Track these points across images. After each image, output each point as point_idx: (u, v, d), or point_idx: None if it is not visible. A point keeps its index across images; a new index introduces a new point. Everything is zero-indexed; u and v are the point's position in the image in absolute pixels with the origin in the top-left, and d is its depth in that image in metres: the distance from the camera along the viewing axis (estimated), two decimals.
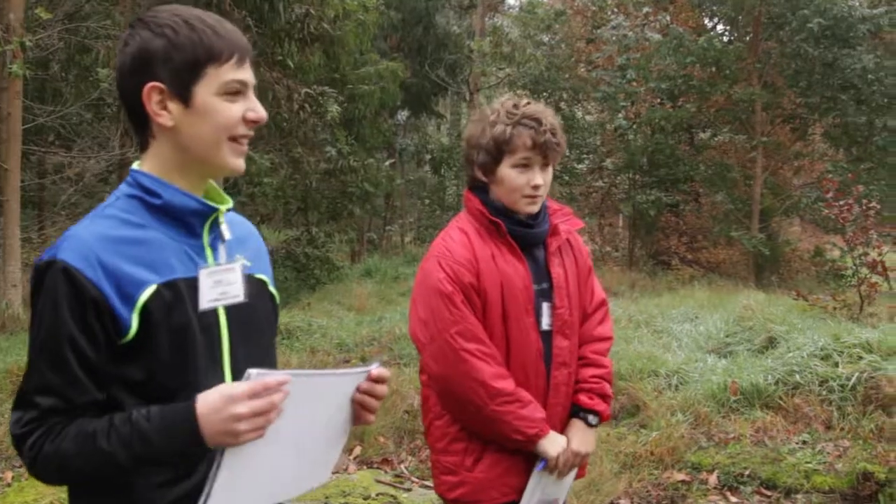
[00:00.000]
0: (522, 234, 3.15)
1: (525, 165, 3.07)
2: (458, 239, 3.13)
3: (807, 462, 6.29)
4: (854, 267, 12.01)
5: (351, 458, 7.07)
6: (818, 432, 6.84)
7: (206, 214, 2.12)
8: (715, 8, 24.67)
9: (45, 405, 1.92)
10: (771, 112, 23.48)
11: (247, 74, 2.09)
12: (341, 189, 21.01)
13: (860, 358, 7.59)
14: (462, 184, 25.88)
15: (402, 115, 29.26)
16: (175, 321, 1.99)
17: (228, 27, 2.09)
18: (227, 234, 2.18)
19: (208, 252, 2.14)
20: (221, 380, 2.05)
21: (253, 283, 2.23)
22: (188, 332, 2.01)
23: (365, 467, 6.96)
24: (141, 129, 2.10)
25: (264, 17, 15.53)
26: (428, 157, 28.24)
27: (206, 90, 2.02)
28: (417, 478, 6.63)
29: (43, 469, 1.94)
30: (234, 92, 2.06)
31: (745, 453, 6.56)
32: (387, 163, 26.78)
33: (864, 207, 12.10)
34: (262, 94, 15.90)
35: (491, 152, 3.09)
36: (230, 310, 2.13)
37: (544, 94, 27.97)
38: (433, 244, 3.23)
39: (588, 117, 29.95)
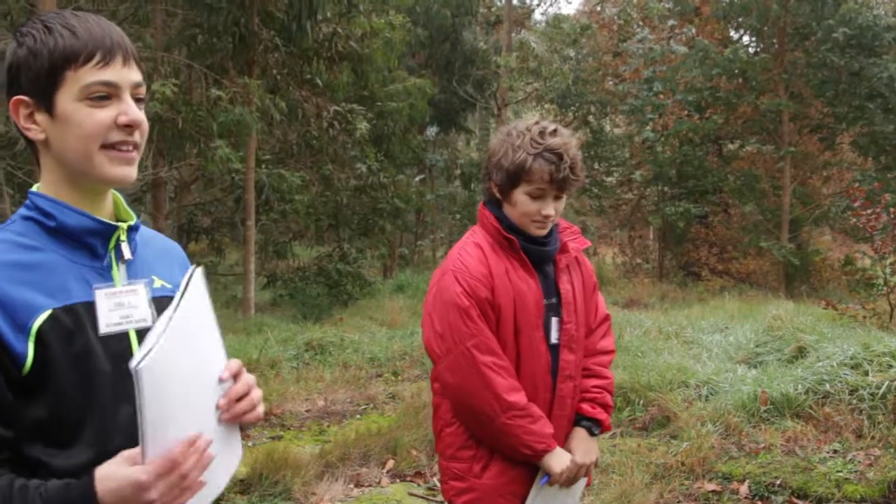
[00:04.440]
0: (535, 251, 3.23)
1: (539, 196, 3.14)
2: (474, 254, 3.19)
3: (838, 471, 6.29)
4: (883, 276, 11.97)
5: (384, 471, 7.11)
6: (849, 441, 6.84)
7: (107, 234, 1.99)
8: (740, 20, 24.59)
9: None
10: (798, 122, 23.39)
11: (116, 75, 1.90)
12: (372, 205, 21.08)
13: (890, 366, 7.57)
14: None
15: (432, 131, 29.22)
16: (75, 349, 1.84)
17: (94, 25, 1.92)
18: (127, 253, 2.03)
19: (116, 274, 2.00)
20: (132, 413, 1.74)
21: None
22: (91, 361, 1.85)
23: (398, 480, 6.99)
24: (31, 147, 1.99)
25: (292, 36, 15.61)
26: (458, 172, 28.21)
27: (66, 97, 1.88)
28: None
29: None
30: (100, 96, 1.89)
31: (776, 463, 6.55)
32: (417, 178, 26.82)
33: (892, 216, 12.06)
34: (291, 112, 16.06)
35: (510, 176, 3.15)
36: (144, 335, 1.88)
37: (572, 107, 28.03)
38: (448, 257, 3.28)
39: (616, 130, 30.02)
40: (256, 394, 2.03)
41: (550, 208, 3.16)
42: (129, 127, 1.93)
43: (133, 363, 1.64)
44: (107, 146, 1.91)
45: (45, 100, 1.89)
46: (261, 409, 2.04)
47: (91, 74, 1.88)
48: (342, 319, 15.54)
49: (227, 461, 2.01)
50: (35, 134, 1.93)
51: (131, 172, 1.97)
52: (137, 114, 1.94)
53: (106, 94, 1.90)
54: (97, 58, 1.88)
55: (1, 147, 12.38)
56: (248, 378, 2.03)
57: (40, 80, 1.88)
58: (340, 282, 19.56)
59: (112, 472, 1.72)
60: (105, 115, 1.90)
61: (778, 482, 6.28)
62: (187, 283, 1.89)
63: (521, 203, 3.16)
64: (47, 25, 1.90)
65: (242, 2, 15.00)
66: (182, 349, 1.77)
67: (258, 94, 14.36)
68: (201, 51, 15.75)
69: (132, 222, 2.06)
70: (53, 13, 1.95)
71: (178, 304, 1.81)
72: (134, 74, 1.95)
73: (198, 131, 13.89)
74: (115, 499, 1.70)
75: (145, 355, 1.66)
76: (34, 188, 1.99)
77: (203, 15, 15.22)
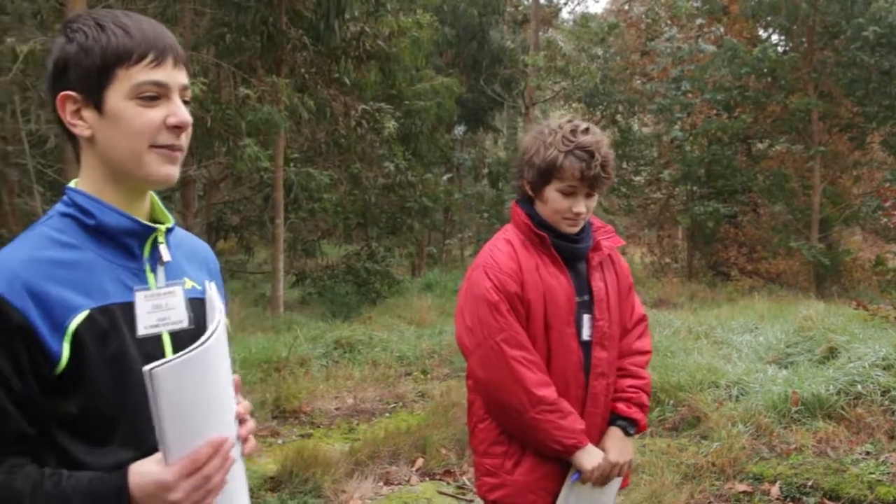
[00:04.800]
0: (566, 247, 3.24)
1: (571, 193, 3.15)
2: (505, 250, 3.22)
3: (870, 473, 6.23)
4: None
5: (413, 469, 7.13)
6: (881, 443, 6.78)
7: (145, 235, 1.98)
8: (769, 18, 24.43)
9: None
10: (828, 121, 23.19)
11: (167, 76, 1.90)
12: (400, 204, 21.16)
13: None
14: None
15: (459, 129, 29.21)
16: (111, 350, 1.83)
17: (147, 26, 1.92)
18: (165, 255, 2.02)
19: (150, 275, 1.98)
20: None
21: (203, 309, 2.07)
22: (125, 361, 1.85)
23: (427, 479, 7.01)
24: (72, 143, 1.97)
25: (320, 35, 15.65)
26: (485, 171, 28.21)
27: (117, 95, 1.87)
28: None
29: None
30: (150, 96, 1.89)
31: (808, 464, 6.50)
32: (445, 177, 26.79)
33: None
34: (319, 111, 16.08)
35: (541, 173, 3.17)
36: (176, 336, 1.96)
37: (600, 106, 27.96)
38: (480, 254, 3.31)
39: (644, 129, 29.89)
40: (252, 423, 2.05)
41: (582, 206, 3.17)
42: (178, 128, 1.93)
43: (147, 367, 1.66)
44: (155, 146, 1.91)
45: (94, 96, 1.88)
46: (253, 441, 2.05)
47: (143, 74, 1.87)
48: (371, 318, 15.54)
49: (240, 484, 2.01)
50: (81, 130, 1.91)
51: (175, 172, 1.98)
52: (186, 115, 1.94)
53: (156, 95, 1.89)
54: (150, 57, 1.88)
55: (31, 145, 12.47)
56: (246, 403, 2.04)
57: (91, 77, 1.87)
58: (369, 280, 19.61)
59: (144, 470, 1.75)
60: (155, 114, 1.89)
61: (809, 483, 6.23)
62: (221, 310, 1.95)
63: (553, 200, 3.17)
64: (99, 23, 1.89)
65: (270, 1, 15.07)
66: (207, 360, 1.78)
67: (286, 93, 14.41)
68: (229, 50, 15.83)
69: (169, 224, 2.06)
70: (105, 12, 1.93)
71: (216, 327, 1.82)
72: (182, 77, 1.95)
73: (226, 130, 13.95)
74: (142, 495, 1.73)
75: (166, 362, 1.67)
76: (72, 184, 1.99)
77: (231, 14, 15.29)
